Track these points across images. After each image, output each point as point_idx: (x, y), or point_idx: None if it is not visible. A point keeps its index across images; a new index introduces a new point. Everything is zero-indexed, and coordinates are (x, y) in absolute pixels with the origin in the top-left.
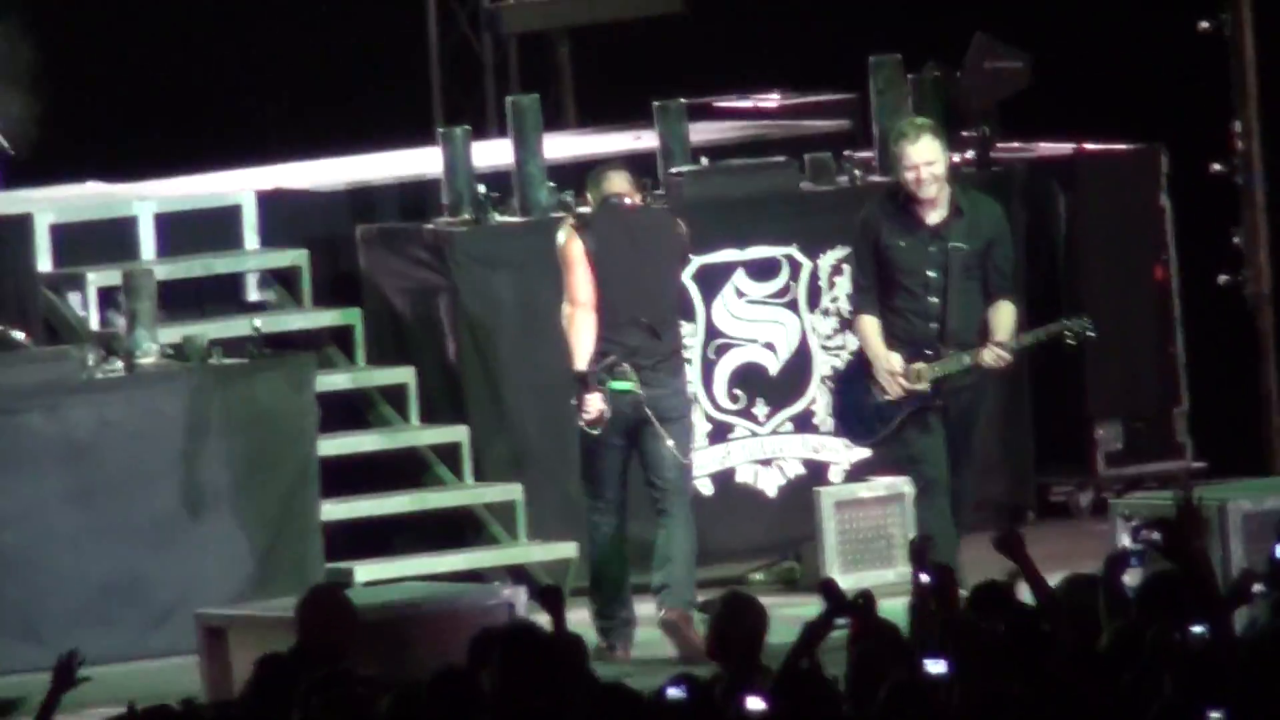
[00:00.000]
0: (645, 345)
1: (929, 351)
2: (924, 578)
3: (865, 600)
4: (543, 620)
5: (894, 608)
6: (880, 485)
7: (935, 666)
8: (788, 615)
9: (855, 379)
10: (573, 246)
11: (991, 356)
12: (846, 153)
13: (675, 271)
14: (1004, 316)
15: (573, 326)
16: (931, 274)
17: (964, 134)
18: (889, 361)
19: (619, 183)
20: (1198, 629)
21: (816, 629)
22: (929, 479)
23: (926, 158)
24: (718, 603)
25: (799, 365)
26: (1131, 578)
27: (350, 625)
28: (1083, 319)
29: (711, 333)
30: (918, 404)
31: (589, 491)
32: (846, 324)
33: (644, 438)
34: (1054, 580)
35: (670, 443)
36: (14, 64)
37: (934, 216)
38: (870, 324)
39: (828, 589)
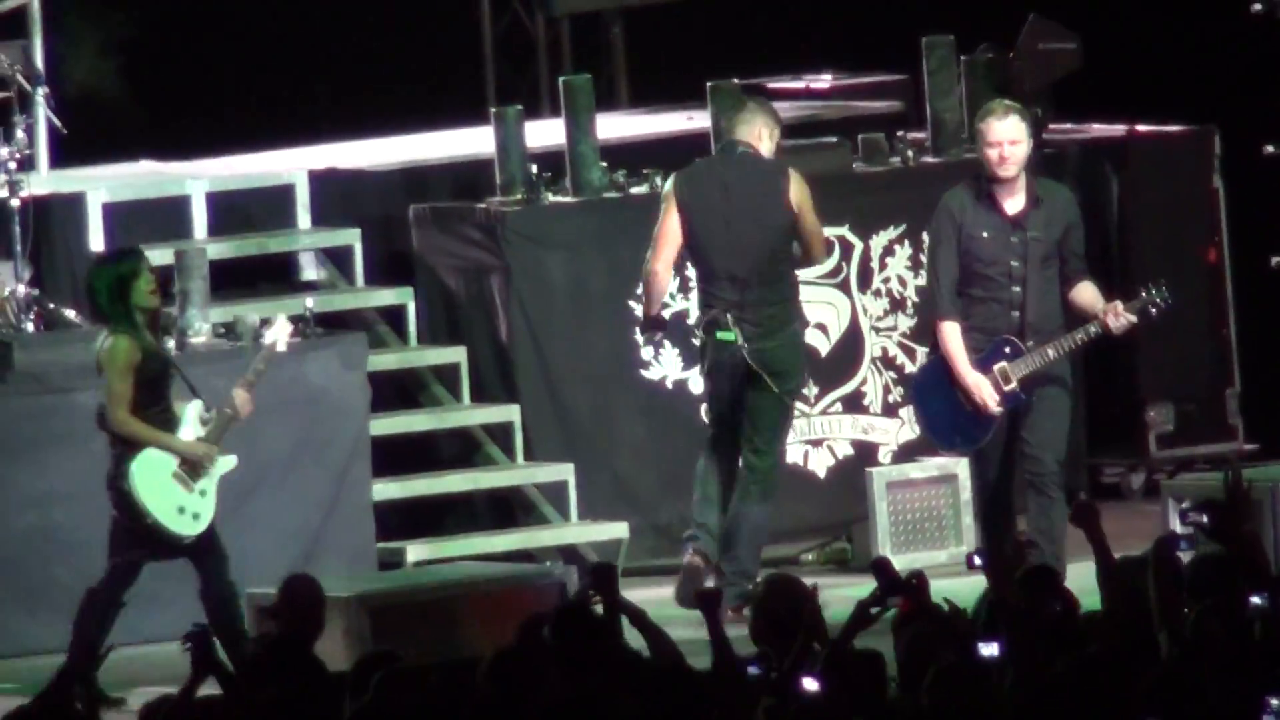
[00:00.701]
0: (740, 299)
1: (1008, 350)
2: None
3: (918, 580)
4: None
5: (945, 589)
6: (932, 466)
7: (988, 649)
8: (840, 596)
9: (937, 387)
10: (668, 201)
11: (1118, 324)
12: (899, 133)
13: (775, 225)
14: (1091, 292)
15: (646, 282)
16: (1014, 263)
17: None
18: (976, 379)
19: (744, 130)
20: (1257, 599)
21: (868, 608)
22: (986, 479)
23: (1011, 136)
24: (761, 585)
25: (850, 346)
26: (1182, 559)
27: (319, 613)
28: (1161, 287)
29: None
30: (1011, 404)
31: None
32: (898, 305)
33: (749, 390)
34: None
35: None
36: (80, 44)
37: (1013, 205)
38: (955, 334)
39: (880, 568)
